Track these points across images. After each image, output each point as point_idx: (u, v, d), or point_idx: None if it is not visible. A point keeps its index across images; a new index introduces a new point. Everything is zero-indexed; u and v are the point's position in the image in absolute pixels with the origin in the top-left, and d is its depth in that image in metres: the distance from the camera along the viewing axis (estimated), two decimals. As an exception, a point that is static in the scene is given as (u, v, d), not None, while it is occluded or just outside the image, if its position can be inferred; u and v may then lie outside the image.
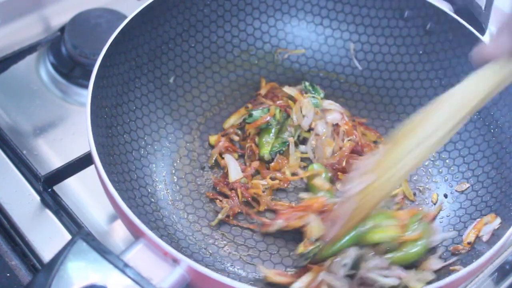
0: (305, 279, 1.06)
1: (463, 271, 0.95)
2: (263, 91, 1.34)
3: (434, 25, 1.28)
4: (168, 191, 1.19)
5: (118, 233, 1.20)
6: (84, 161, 1.22)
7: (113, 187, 0.97)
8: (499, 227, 1.09)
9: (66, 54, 1.44)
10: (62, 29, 1.47)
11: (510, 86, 1.16)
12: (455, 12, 1.28)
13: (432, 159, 1.28)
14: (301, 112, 1.27)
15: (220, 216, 1.17)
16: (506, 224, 1.05)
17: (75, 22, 1.47)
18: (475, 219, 1.15)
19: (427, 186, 1.26)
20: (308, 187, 1.22)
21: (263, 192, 1.20)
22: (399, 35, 1.33)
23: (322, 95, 1.33)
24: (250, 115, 1.27)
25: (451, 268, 1.08)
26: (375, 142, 1.30)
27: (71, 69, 1.43)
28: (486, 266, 1.21)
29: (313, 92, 1.32)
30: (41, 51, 1.46)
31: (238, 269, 1.11)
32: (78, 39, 1.44)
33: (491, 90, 0.96)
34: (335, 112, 1.29)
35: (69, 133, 1.34)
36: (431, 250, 1.12)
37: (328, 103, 1.31)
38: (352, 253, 1.05)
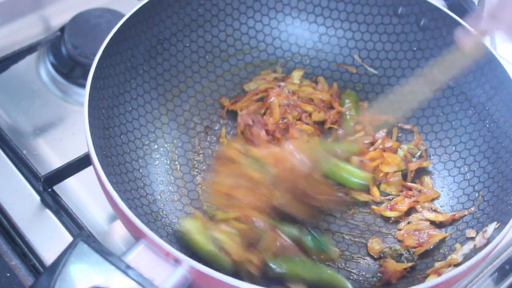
0: None
1: (462, 267, 0.96)
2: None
3: (428, 22, 1.28)
4: (167, 190, 1.20)
5: (119, 233, 1.21)
6: (84, 161, 1.23)
7: (113, 188, 0.97)
8: (499, 225, 1.08)
9: (66, 54, 1.45)
10: (62, 29, 1.48)
11: (506, 81, 1.17)
12: (449, 8, 1.28)
13: (428, 154, 1.29)
14: None
15: None
16: (505, 218, 1.05)
17: (75, 22, 1.48)
18: (473, 213, 1.16)
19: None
20: None
21: None
22: (393, 32, 1.33)
23: None
24: None
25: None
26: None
27: (71, 69, 1.44)
28: (486, 266, 1.22)
29: None
30: (41, 51, 1.47)
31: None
32: (78, 39, 1.44)
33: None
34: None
35: (69, 133, 1.35)
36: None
37: None
38: None
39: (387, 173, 1.25)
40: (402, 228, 1.19)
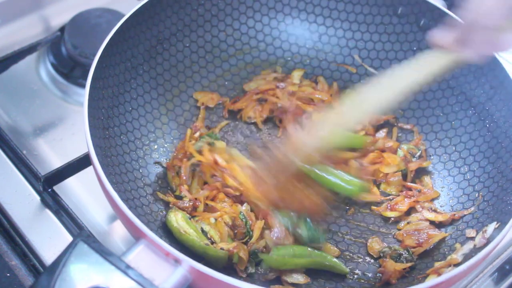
0: None
1: (462, 267, 0.96)
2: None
3: (427, 22, 1.28)
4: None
5: (119, 233, 1.21)
6: (84, 161, 1.23)
7: (113, 188, 0.97)
8: (499, 225, 1.08)
9: (66, 54, 1.45)
10: (62, 29, 1.48)
11: (506, 81, 1.17)
12: (449, 8, 1.28)
13: (427, 154, 1.29)
14: None
15: None
16: (504, 218, 1.05)
17: (75, 22, 1.48)
18: (473, 213, 1.16)
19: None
20: None
21: None
22: (393, 32, 1.33)
23: None
24: None
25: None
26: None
27: (71, 69, 1.44)
28: (486, 266, 1.22)
29: None
30: (41, 51, 1.47)
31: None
32: (78, 39, 1.44)
33: (429, 74, 1.05)
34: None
35: (69, 133, 1.35)
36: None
37: None
38: None
39: (387, 173, 1.25)
40: (401, 228, 1.20)
